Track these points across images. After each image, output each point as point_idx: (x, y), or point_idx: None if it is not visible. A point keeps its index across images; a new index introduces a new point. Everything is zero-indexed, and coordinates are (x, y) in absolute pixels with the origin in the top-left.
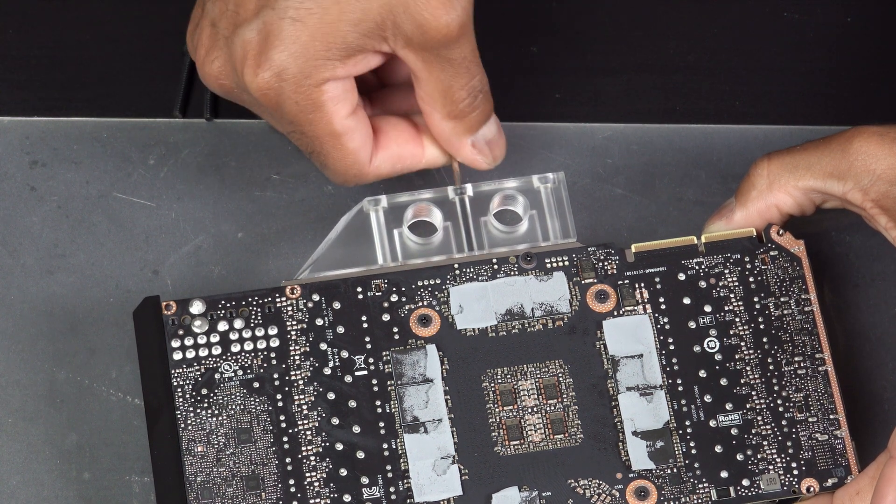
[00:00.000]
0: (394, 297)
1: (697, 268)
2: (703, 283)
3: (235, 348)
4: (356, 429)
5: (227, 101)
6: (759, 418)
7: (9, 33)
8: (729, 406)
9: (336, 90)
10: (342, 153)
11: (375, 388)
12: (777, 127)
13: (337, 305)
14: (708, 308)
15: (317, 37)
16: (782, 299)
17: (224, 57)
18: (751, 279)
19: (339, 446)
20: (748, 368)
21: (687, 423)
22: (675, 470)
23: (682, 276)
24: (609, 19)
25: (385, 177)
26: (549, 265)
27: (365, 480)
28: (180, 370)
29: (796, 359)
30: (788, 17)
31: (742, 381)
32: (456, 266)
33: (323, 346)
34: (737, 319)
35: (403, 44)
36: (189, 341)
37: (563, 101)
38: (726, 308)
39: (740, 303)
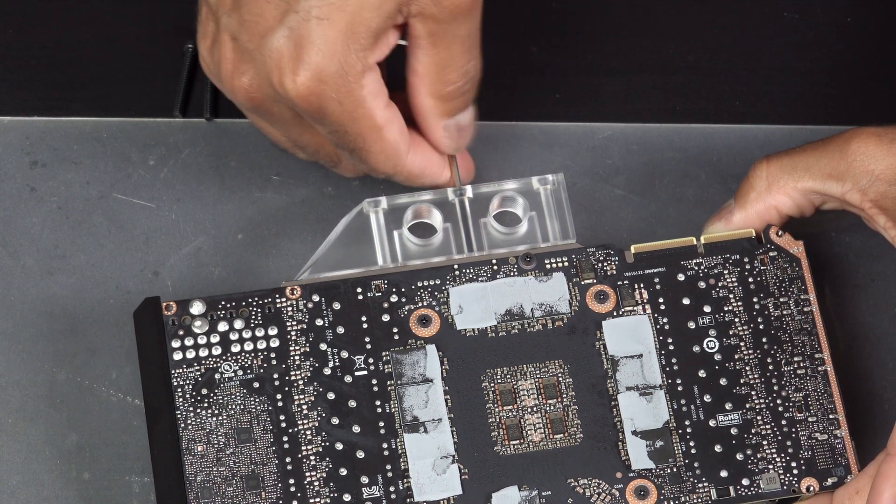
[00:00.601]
0: (394, 298)
1: (697, 268)
2: (702, 284)
3: (235, 348)
4: (356, 428)
5: (228, 100)
6: (759, 418)
7: (9, 33)
8: (728, 406)
9: (373, 84)
10: (383, 145)
11: (375, 388)
12: (777, 127)
13: (337, 306)
14: (707, 308)
15: (345, 30)
16: (781, 300)
17: (254, 70)
18: (750, 280)
19: (339, 446)
20: (748, 368)
21: (686, 422)
22: (674, 469)
23: (681, 277)
24: (609, 19)
25: (413, 179)
26: (548, 266)
27: (365, 480)
28: (180, 370)
29: (795, 359)
30: (788, 17)
31: (742, 380)
32: (455, 267)
33: (323, 347)
34: (736, 320)
35: (417, 10)
36: (189, 342)
37: (563, 101)
38: (726, 308)
39: (739, 303)
